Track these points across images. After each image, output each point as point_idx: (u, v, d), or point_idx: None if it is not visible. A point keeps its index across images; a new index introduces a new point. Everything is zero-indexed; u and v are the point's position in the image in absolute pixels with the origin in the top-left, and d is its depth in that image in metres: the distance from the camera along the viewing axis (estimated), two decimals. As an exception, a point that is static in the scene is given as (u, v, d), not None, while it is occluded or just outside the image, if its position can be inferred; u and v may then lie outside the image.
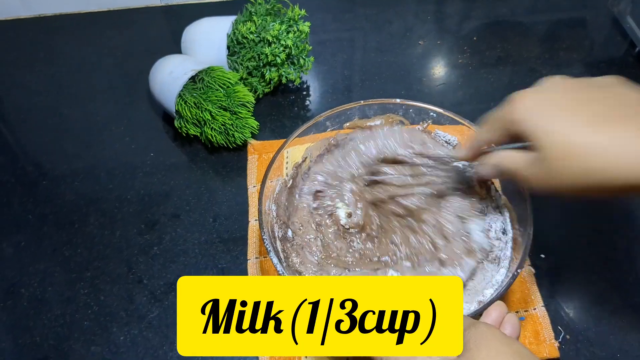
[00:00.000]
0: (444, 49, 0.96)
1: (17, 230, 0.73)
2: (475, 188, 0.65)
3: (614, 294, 0.65)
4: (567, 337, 0.62)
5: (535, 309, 0.63)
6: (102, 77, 0.93)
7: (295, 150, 0.70)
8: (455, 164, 0.63)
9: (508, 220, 0.64)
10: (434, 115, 0.70)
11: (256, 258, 0.68)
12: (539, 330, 0.62)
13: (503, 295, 0.55)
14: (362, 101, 0.71)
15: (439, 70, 0.93)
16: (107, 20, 1.03)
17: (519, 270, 0.55)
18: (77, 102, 0.89)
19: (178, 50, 0.87)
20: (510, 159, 0.51)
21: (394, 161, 0.65)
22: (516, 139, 0.50)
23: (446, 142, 0.70)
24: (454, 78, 0.91)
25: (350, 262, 0.63)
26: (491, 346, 0.41)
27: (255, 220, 0.72)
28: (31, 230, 0.74)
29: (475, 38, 0.97)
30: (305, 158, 0.70)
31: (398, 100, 0.71)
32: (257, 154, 0.78)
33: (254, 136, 0.80)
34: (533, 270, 0.66)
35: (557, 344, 0.61)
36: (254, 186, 0.75)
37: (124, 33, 1.01)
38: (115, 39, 1.00)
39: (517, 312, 0.63)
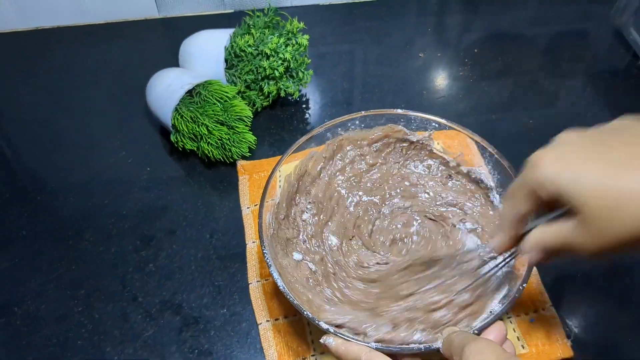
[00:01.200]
0: (445, 61, 0.95)
1: (11, 245, 0.72)
2: None
3: (621, 288, 0.65)
4: (577, 335, 0.62)
5: (544, 309, 0.63)
6: (98, 90, 0.92)
7: (289, 167, 0.69)
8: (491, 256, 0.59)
9: None
10: (436, 125, 0.69)
11: (257, 282, 0.67)
12: (550, 330, 0.62)
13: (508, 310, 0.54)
14: (363, 112, 0.70)
15: (439, 82, 0.92)
16: (105, 32, 1.03)
17: (523, 286, 0.54)
18: (73, 115, 0.88)
19: (175, 63, 0.86)
20: (551, 233, 0.46)
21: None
22: (548, 206, 0.46)
23: (480, 180, 0.68)
24: (455, 90, 0.90)
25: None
26: None
27: (253, 242, 0.70)
28: (25, 246, 0.72)
29: (476, 50, 0.96)
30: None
31: (400, 111, 0.70)
32: (248, 174, 0.77)
33: (251, 151, 0.78)
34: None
35: (569, 343, 0.61)
36: (248, 207, 0.74)
37: (121, 46, 1.00)
38: (113, 51, 0.99)
39: (526, 314, 0.63)
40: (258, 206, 0.72)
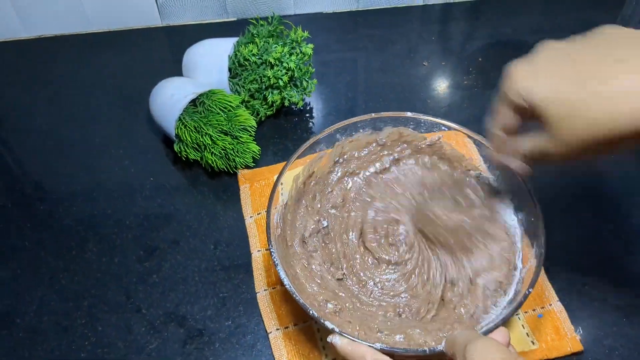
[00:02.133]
0: (449, 69, 0.95)
1: (14, 255, 0.72)
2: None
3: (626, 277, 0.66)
4: (586, 329, 0.63)
5: (551, 304, 0.64)
6: (101, 99, 0.92)
7: (289, 175, 0.69)
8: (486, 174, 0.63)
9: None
10: (445, 129, 0.69)
11: (265, 290, 0.66)
12: (559, 325, 0.63)
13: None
14: (373, 114, 0.69)
15: (443, 91, 0.92)
16: (108, 41, 1.02)
17: (529, 290, 0.54)
18: (76, 124, 0.88)
19: (179, 72, 0.86)
20: (529, 141, 0.51)
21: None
22: (528, 114, 0.50)
23: (489, 184, 0.68)
24: (459, 99, 0.89)
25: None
26: None
27: (258, 250, 0.70)
28: (28, 256, 0.72)
29: (480, 59, 0.96)
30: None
31: (409, 114, 0.69)
32: (249, 183, 0.76)
33: (255, 160, 0.78)
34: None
35: (579, 337, 0.62)
36: (251, 217, 0.73)
37: (124, 54, 1.00)
38: (116, 60, 0.99)
39: (534, 309, 0.64)
40: (261, 215, 0.72)
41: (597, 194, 0.75)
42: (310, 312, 0.53)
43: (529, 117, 0.50)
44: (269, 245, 0.58)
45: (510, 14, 1.05)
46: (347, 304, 0.60)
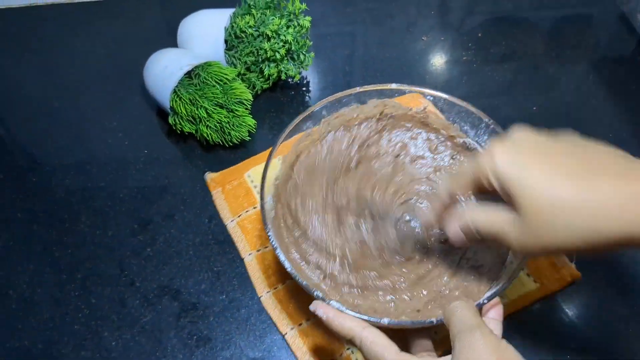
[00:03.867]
0: (448, 45, 0.94)
1: (6, 228, 0.71)
2: None
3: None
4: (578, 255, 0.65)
5: None
6: (95, 69, 0.90)
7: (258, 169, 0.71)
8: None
9: None
10: (431, 98, 0.68)
11: (267, 292, 0.65)
12: (553, 259, 0.66)
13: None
14: (358, 88, 0.68)
15: (442, 66, 0.90)
16: (101, 9, 1.00)
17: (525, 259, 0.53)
18: (68, 94, 0.87)
19: (174, 43, 0.84)
20: (487, 219, 0.47)
21: None
22: (483, 192, 0.47)
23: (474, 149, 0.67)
24: (458, 75, 0.89)
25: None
26: (480, 355, 0.41)
27: (249, 254, 0.68)
28: (20, 228, 0.71)
29: (479, 34, 0.95)
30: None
31: (394, 86, 0.68)
32: (220, 186, 0.73)
33: (251, 134, 0.77)
34: None
35: (574, 265, 0.65)
36: (232, 220, 0.70)
37: (118, 23, 0.98)
38: (109, 29, 0.97)
39: None
40: (242, 217, 0.70)
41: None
42: (315, 292, 0.51)
43: (488, 194, 0.47)
44: (265, 229, 0.56)
45: (511, -11, 1.03)
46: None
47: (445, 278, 0.58)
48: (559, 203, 0.41)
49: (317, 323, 0.61)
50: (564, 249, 0.43)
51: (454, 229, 0.50)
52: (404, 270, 0.60)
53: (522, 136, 0.46)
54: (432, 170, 0.68)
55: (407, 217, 0.63)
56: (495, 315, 0.50)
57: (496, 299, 0.51)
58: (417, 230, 0.62)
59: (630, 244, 0.40)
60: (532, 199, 0.42)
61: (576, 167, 0.42)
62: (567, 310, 0.63)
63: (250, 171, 0.74)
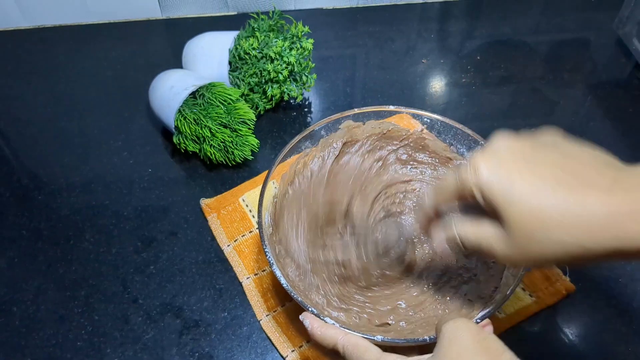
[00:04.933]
0: (447, 67, 0.95)
1: (11, 245, 0.72)
2: None
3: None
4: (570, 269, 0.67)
5: None
6: (101, 90, 0.92)
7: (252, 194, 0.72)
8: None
9: None
10: (428, 120, 0.70)
11: (267, 315, 0.65)
12: (547, 274, 0.66)
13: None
14: (355, 109, 0.69)
15: (441, 89, 0.92)
16: (108, 32, 1.02)
17: (522, 272, 0.54)
18: (75, 115, 0.88)
19: (178, 65, 0.86)
20: (472, 232, 0.47)
21: None
22: (469, 209, 0.47)
23: None
24: (457, 97, 0.90)
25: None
26: (462, 343, 0.42)
27: (247, 277, 0.68)
28: (25, 245, 0.72)
29: (478, 57, 0.96)
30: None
31: (392, 107, 0.70)
32: (215, 212, 0.74)
33: (254, 154, 0.78)
34: None
35: (568, 279, 0.66)
36: (229, 245, 0.71)
37: (124, 46, 1.00)
38: (116, 51, 0.99)
39: None
40: (239, 241, 0.71)
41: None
42: (310, 309, 0.52)
43: (472, 208, 0.47)
44: (262, 245, 0.57)
45: (510, 13, 1.05)
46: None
47: (438, 303, 0.60)
48: (545, 217, 0.41)
49: (315, 344, 0.60)
50: (551, 261, 0.43)
51: (439, 242, 0.50)
52: (402, 286, 0.61)
53: (503, 145, 0.45)
54: (418, 172, 0.70)
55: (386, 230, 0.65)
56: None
57: (486, 320, 0.51)
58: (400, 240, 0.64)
59: (618, 257, 0.40)
60: (517, 214, 0.42)
61: (561, 178, 0.41)
62: (565, 329, 0.63)
63: (245, 195, 0.75)
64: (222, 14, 1.05)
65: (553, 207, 0.41)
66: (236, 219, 0.73)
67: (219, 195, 0.76)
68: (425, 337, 0.50)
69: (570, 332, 0.63)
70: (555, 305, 0.65)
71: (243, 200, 0.74)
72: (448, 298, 0.60)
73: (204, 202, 0.75)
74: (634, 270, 0.67)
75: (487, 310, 0.53)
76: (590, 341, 0.62)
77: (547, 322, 0.64)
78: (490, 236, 0.45)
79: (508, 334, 0.62)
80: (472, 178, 0.44)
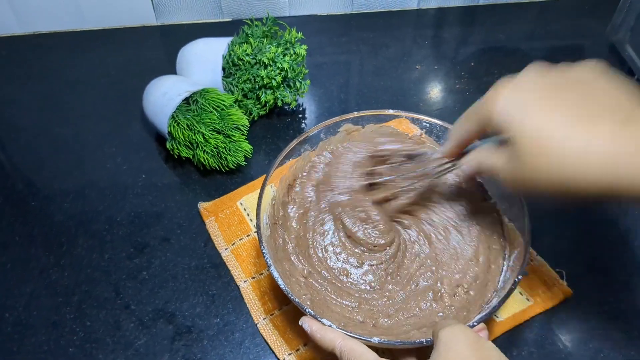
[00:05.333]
0: (441, 74, 0.96)
1: (3, 250, 0.72)
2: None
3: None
4: (568, 275, 0.66)
5: (532, 260, 0.68)
6: (95, 96, 0.92)
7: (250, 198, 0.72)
8: (436, 160, 0.62)
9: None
10: (427, 124, 0.71)
11: (264, 319, 0.64)
12: (545, 278, 0.66)
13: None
14: (355, 112, 0.71)
15: (436, 95, 0.92)
16: (102, 39, 1.03)
17: (519, 277, 0.55)
18: (69, 121, 0.88)
19: (173, 71, 0.86)
20: (486, 156, 0.51)
21: (383, 162, 0.67)
22: (494, 134, 0.50)
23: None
24: (451, 103, 0.90)
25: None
26: (459, 350, 0.42)
27: (244, 281, 0.68)
28: (18, 251, 0.72)
29: (472, 63, 0.97)
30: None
31: (391, 111, 0.71)
32: (213, 215, 0.74)
33: (247, 159, 0.78)
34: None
35: (565, 283, 0.65)
36: (227, 249, 0.71)
37: (118, 52, 1.00)
38: (110, 58, 0.99)
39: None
40: (237, 245, 0.71)
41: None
42: (307, 311, 0.53)
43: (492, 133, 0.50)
44: (260, 247, 0.58)
45: (504, 20, 1.06)
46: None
47: (433, 304, 0.60)
48: (552, 142, 0.43)
49: (315, 347, 0.61)
50: (552, 188, 0.44)
51: (466, 169, 0.54)
52: (395, 288, 0.61)
53: (530, 76, 0.47)
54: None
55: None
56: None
57: (481, 325, 0.51)
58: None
59: (613, 195, 0.41)
60: (526, 136, 0.44)
61: (578, 108, 0.43)
62: (561, 333, 0.63)
63: (243, 199, 0.75)
64: (217, 20, 1.05)
65: (562, 133, 0.42)
66: (234, 222, 0.73)
67: (216, 200, 0.76)
68: (422, 340, 0.50)
69: (566, 337, 0.63)
70: (552, 310, 0.64)
71: (241, 204, 0.74)
72: (446, 300, 0.60)
73: (202, 206, 0.75)
74: (632, 274, 0.67)
75: (484, 313, 0.54)
76: (585, 346, 0.62)
77: (543, 326, 0.63)
78: (498, 159, 0.48)
79: (504, 338, 0.62)
80: (490, 104, 0.47)
